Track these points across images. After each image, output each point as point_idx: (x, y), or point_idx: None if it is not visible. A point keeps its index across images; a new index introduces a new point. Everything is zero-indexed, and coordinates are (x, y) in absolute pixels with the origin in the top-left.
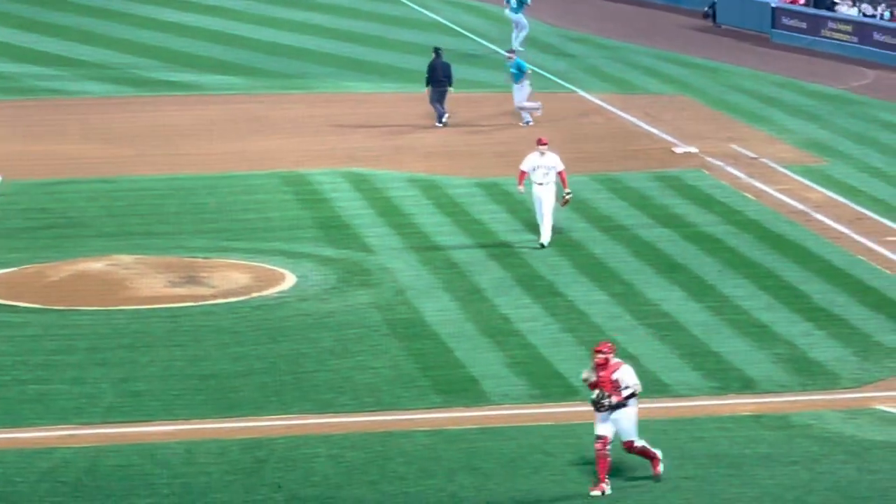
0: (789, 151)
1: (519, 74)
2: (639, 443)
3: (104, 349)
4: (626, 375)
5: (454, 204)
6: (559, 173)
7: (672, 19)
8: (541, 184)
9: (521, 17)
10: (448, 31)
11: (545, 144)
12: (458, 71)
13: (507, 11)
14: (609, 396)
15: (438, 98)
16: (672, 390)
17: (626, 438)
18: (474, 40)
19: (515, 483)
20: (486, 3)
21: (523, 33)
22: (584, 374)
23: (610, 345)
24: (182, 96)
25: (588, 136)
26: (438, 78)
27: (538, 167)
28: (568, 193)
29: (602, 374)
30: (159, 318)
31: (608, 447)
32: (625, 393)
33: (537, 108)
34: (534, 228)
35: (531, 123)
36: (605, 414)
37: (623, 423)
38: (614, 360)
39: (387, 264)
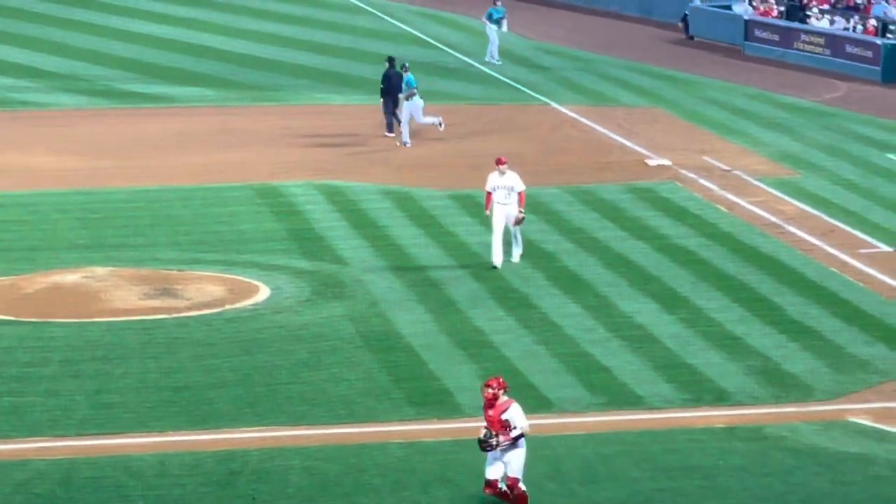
0: (762, 164)
1: (410, 90)
2: (522, 486)
3: (78, 361)
4: (516, 416)
5: (428, 216)
6: (519, 193)
7: (645, 31)
8: (503, 204)
9: (496, 30)
10: (421, 43)
11: (504, 164)
12: (430, 83)
13: (490, 27)
14: (496, 436)
15: (392, 108)
16: (645, 402)
17: (512, 475)
18: (448, 52)
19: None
20: (460, 15)
21: (493, 46)
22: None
23: (500, 381)
24: (155, 108)
25: (561, 148)
26: (391, 88)
27: (498, 187)
28: (521, 212)
29: (490, 413)
30: (133, 330)
31: (499, 488)
32: (513, 434)
33: (438, 123)
34: (508, 241)
35: (409, 145)
36: (495, 454)
37: (513, 464)
38: (504, 399)
39: (360, 276)
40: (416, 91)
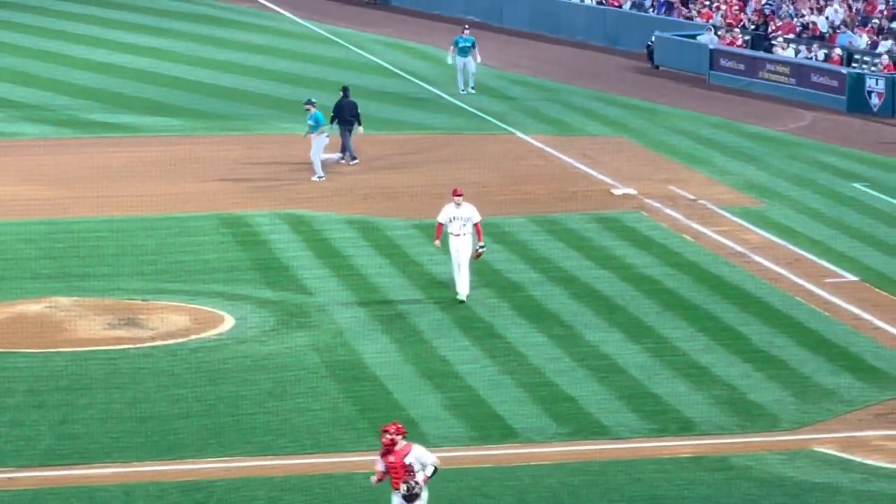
0: (728, 193)
1: (315, 126)
2: None
3: (42, 391)
4: (422, 455)
5: (393, 245)
6: (475, 225)
7: (611, 61)
8: (457, 235)
9: (468, 60)
10: (387, 73)
11: (460, 195)
12: (398, 113)
13: (456, 57)
14: (417, 484)
15: (345, 137)
16: (611, 432)
17: None
18: (413, 81)
19: None
20: (425, 44)
21: (464, 76)
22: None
23: (398, 426)
24: (120, 138)
25: (527, 177)
26: (346, 117)
27: (454, 218)
28: (482, 247)
29: (391, 459)
30: (98, 360)
31: None
32: (428, 472)
33: (338, 159)
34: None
35: (323, 178)
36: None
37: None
38: (403, 443)
39: (325, 306)
40: (325, 129)
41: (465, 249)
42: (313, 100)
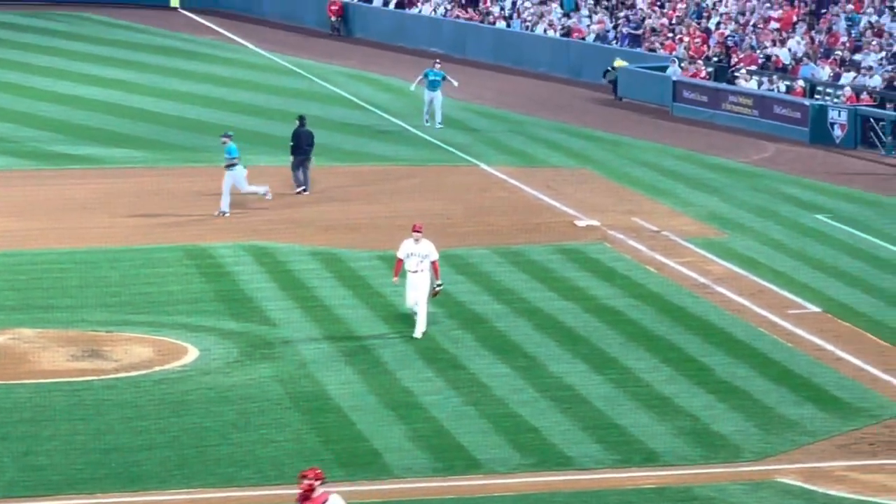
0: (691, 224)
1: (231, 159)
2: None
3: (5, 423)
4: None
5: (356, 277)
6: (433, 263)
7: (574, 93)
8: (414, 272)
9: (436, 94)
10: (350, 105)
11: (419, 231)
12: (361, 144)
13: (423, 90)
14: None
15: (301, 167)
16: (575, 463)
17: None
18: (376, 114)
19: None
20: (389, 77)
21: (430, 110)
22: None
23: (316, 471)
24: (85, 170)
25: (490, 209)
26: (302, 147)
27: (412, 255)
28: (439, 285)
29: None
30: (61, 392)
31: None
32: None
33: (263, 193)
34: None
35: (227, 215)
36: None
37: None
38: (321, 490)
39: (289, 337)
40: (236, 160)
41: (422, 286)
42: (230, 133)
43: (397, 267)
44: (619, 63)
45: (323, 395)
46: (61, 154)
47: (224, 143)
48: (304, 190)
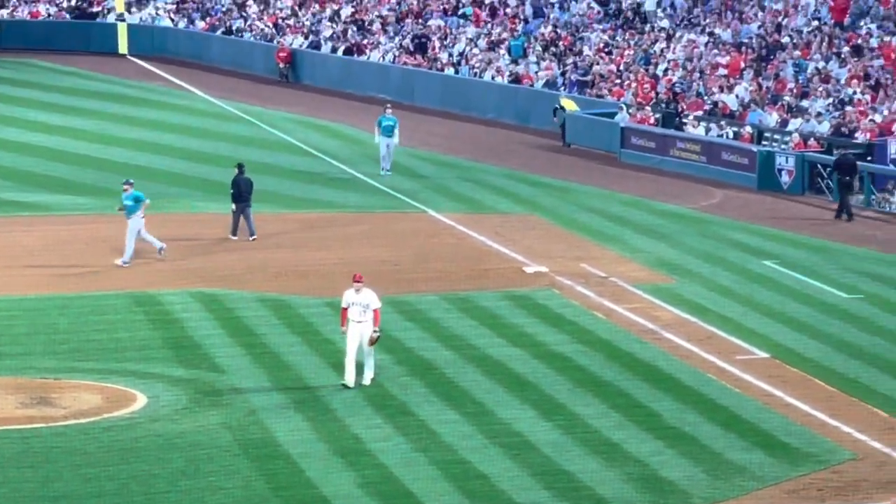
0: (639, 271)
1: (135, 206)
2: None
3: None
4: None
5: (305, 323)
6: (374, 311)
7: (522, 139)
8: (358, 321)
9: (390, 141)
10: (298, 152)
11: (360, 282)
12: (310, 191)
13: (379, 137)
14: None
15: (242, 213)
16: None
17: None
18: (325, 160)
19: None
20: (337, 123)
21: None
22: None
23: None
24: (32, 217)
25: (439, 255)
26: (243, 194)
27: (353, 304)
28: (376, 332)
29: None
30: (10, 439)
31: None
32: None
33: (160, 249)
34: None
35: (128, 264)
36: None
37: None
38: None
39: (238, 384)
40: (140, 206)
41: (366, 336)
42: (131, 180)
43: (343, 316)
44: (566, 103)
45: (272, 442)
46: (8, 201)
47: (125, 190)
48: (253, 237)
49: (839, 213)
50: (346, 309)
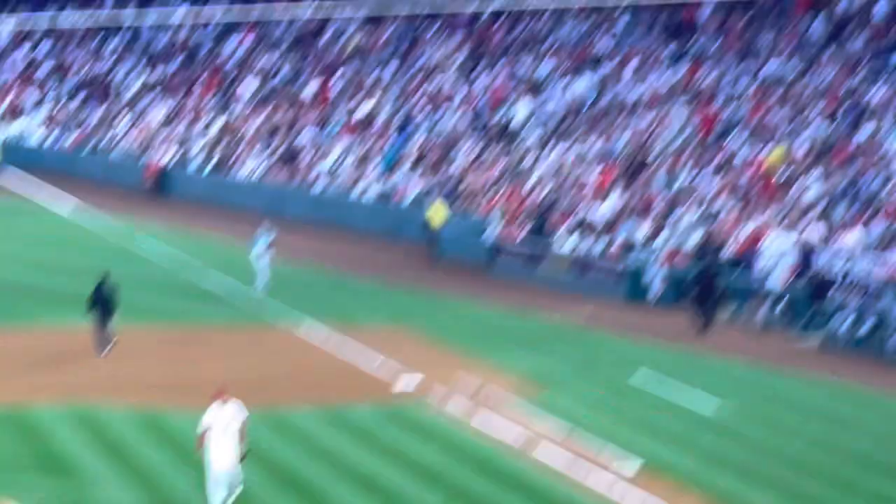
0: (512, 382)
1: None
2: None
3: None
4: None
5: (173, 439)
6: (242, 424)
7: (393, 252)
8: (220, 439)
9: (266, 255)
10: (169, 264)
11: (223, 397)
12: (180, 304)
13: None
14: None
15: (104, 324)
16: None
17: None
18: (196, 272)
19: None
20: (208, 235)
21: (264, 270)
22: None
23: None
24: None
25: (310, 368)
26: (105, 304)
27: (215, 422)
28: (244, 450)
29: None
30: None
31: None
32: None
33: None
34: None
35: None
36: None
37: None
38: None
39: (107, 502)
40: None
41: (231, 453)
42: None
43: (199, 440)
44: (435, 213)
45: None
46: None
47: None
48: (107, 350)
49: (704, 325)
50: (205, 432)
